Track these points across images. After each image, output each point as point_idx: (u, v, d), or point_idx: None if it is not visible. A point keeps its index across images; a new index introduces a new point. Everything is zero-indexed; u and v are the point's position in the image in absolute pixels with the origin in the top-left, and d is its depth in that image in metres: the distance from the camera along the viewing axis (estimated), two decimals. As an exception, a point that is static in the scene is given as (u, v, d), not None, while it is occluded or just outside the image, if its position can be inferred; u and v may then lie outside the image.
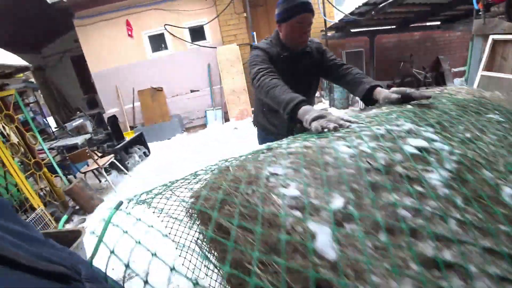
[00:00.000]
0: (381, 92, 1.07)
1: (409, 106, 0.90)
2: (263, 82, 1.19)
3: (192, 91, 5.73)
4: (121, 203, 2.53)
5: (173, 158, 4.33)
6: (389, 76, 6.72)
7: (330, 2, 5.38)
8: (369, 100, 1.16)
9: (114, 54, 5.17)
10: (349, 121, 0.80)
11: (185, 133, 5.66)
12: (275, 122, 1.55)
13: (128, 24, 5.06)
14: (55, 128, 6.58)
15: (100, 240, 1.93)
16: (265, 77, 1.20)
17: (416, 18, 5.37)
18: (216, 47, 5.46)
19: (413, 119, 0.74)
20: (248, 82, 5.58)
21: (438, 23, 5.95)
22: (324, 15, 5.42)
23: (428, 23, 5.97)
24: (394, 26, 5.78)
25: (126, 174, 3.84)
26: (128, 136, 4.76)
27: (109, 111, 5.27)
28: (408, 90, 0.96)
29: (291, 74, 1.41)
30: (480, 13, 2.77)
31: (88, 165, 3.79)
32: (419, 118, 0.76)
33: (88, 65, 5.16)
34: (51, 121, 7.20)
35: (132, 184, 3.60)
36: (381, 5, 3.95)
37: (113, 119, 4.07)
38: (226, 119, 5.74)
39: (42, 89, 7.26)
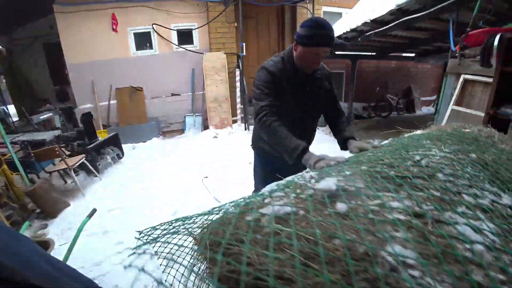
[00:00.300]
0: (350, 144, 1.34)
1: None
2: (267, 123, 1.28)
3: (173, 94, 5.58)
4: (94, 211, 2.32)
5: (148, 163, 4.14)
6: (366, 99, 7.06)
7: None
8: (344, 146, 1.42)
9: (94, 47, 4.90)
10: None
11: (161, 137, 5.46)
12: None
13: (113, 18, 4.84)
14: (16, 119, 6.04)
15: (70, 250, 1.74)
16: (268, 118, 1.29)
17: (394, 48, 5.72)
18: (203, 53, 5.39)
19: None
20: (231, 92, 5.55)
21: (413, 55, 6.38)
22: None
23: (404, 54, 6.39)
24: (375, 53, 6.11)
25: (96, 176, 3.60)
26: (101, 135, 4.50)
27: (81, 107, 4.94)
28: (366, 145, 1.20)
29: (299, 97, 1.43)
30: (457, 54, 3.01)
31: (54, 164, 3.50)
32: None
33: (63, 55, 4.83)
34: (11, 110, 6.59)
35: (102, 188, 3.37)
36: (367, 34, 4.16)
37: (88, 116, 3.82)
38: (205, 126, 5.65)
39: (6, 74, 6.66)
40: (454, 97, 3.38)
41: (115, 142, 4.12)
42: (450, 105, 3.39)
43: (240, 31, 5.10)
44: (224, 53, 5.44)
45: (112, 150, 4.03)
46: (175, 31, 5.30)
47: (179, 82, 5.56)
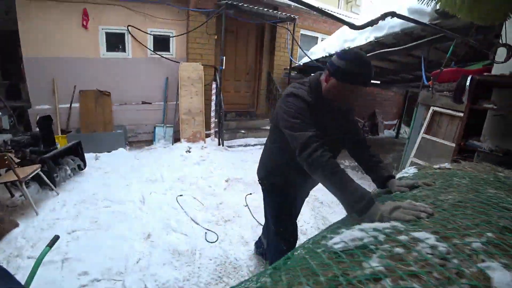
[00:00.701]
0: (393, 184, 1.19)
1: None
2: (323, 160, 1.08)
3: (143, 102, 5.24)
4: (56, 238, 1.99)
5: (114, 176, 3.76)
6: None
7: (300, 47, 5.73)
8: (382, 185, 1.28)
9: (59, 42, 4.39)
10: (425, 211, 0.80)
11: (128, 147, 5.06)
12: (298, 181, 1.41)
13: (85, 13, 4.42)
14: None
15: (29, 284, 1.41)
16: (324, 154, 1.09)
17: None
18: (179, 62, 5.18)
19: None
20: (206, 105, 5.39)
21: (378, 82, 6.86)
22: (291, 56, 5.72)
23: (372, 81, 6.82)
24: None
25: (53, 190, 3.15)
26: (60, 142, 4.02)
27: (37, 107, 4.37)
28: (413, 182, 1.10)
29: (327, 130, 1.31)
30: (430, 88, 3.26)
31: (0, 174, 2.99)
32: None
33: (20, 46, 4.26)
34: None
35: (60, 205, 2.94)
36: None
37: (47, 120, 3.38)
38: (176, 138, 5.37)
39: None
40: (424, 126, 3.64)
41: (76, 151, 3.68)
42: (421, 134, 3.64)
43: (221, 44, 5.02)
44: (202, 65, 5.30)
45: (72, 160, 3.59)
46: (152, 36, 5.03)
47: (151, 90, 5.24)
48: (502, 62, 2.27)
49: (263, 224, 2.91)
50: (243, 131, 5.94)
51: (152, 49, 5.07)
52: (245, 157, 4.90)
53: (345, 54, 1.21)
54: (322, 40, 6.46)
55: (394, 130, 8.22)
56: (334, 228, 0.86)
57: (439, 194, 0.88)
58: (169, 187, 3.60)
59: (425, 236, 0.60)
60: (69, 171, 3.48)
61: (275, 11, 5.40)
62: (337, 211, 3.28)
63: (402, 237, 0.61)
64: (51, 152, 3.26)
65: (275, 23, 5.74)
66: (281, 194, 1.57)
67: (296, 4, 4.35)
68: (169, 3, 4.96)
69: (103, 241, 2.42)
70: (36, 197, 3.03)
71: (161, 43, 5.18)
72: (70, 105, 4.58)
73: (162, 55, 5.14)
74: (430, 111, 3.62)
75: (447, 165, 1.32)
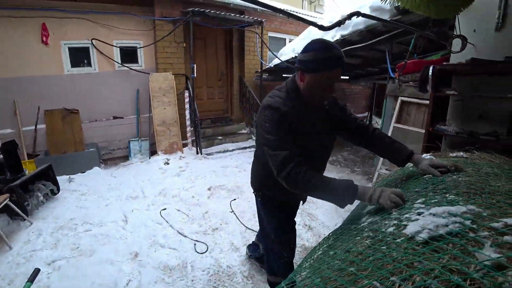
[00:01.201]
0: (420, 162, 1.18)
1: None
2: (299, 178, 1.10)
3: (115, 117, 5.05)
4: (37, 271, 1.89)
5: (91, 198, 3.59)
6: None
7: (269, 49, 5.81)
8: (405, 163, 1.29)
9: (18, 60, 4.10)
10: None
11: (103, 165, 4.85)
12: (286, 191, 1.43)
13: (44, 28, 4.18)
14: None
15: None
16: (297, 172, 1.11)
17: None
18: (149, 73, 5.06)
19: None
20: (180, 114, 5.30)
21: (347, 77, 7.12)
22: (261, 59, 5.79)
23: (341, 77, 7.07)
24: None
25: (25, 220, 2.94)
26: (27, 167, 3.77)
27: (-1, 132, 4.07)
28: (446, 163, 1.08)
29: (313, 133, 1.30)
30: (397, 80, 3.44)
31: (-37, 209, 2.75)
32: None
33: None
34: None
35: (35, 235, 2.76)
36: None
37: (12, 145, 3.16)
38: (153, 151, 5.23)
39: None
40: (394, 116, 3.82)
41: (47, 175, 3.47)
42: (392, 123, 3.82)
43: (191, 52, 4.97)
44: (173, 74, 5.21)
45: (44, 185, 3.37)
46: (118, 48, 4.87)
47: (122, 104, 5.07)
48: (458, 52, 2.45)
49: (252, 229, 2.92)
50: (220, 137, 5.90)
51: (120, 62, 4.91)
52: (225, 163, 4.88)
53: (308, 47, 1.18)
54: (290, 41, 6.60)
55: (366, 121, 8.55)
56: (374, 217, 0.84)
57: (487, 181, 0.88)
58: (151, 202, 3.50)
59: None
60: (41, 198, 3.27)
61: (241, 16, 5.45)
62: (321, 206, 3.35)
63: (495, 224, 0.57)
64: (19, 179, 3.04)
65: (243, 28, 5.79)
66: (280, 206, 1.54)
67: (262, 8, 4.41)
68: (133, 13, 4.83)
69: (88, 267, 2.30)
70: (6, 229, 2.81)
71: (129, 55, 5.03)
72: (35, 126, 4.31)
73: (131, 67, 4.99)
74: (398, 101, 3.82)
75: (463, 153, 1.37)
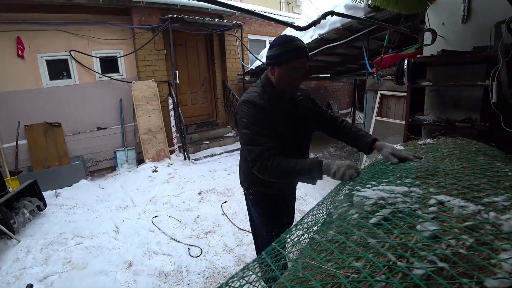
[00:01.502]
0: (382, 148, 1.26)
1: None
2: (268, 167, 1.19)
3: (99, 128, 4.97)
4: (31, 287, 1.89)
5: (80, 211, 3.53)
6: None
7: (250, 52, 5.87)
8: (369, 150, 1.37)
9: None
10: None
11: (89, 177, 4.76)
12: (274, 184, 1.46)
13: (19, 41, 4.07)
14: None
15: None
16: (266, 162, 1.19)
17: (313, 71, 6.42)
18: (131, 82, 5.01)
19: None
20: (165, 121, 5.28)
21: (328, 75, 7.28)
22: (242, 61, 5.84)
23: (321, 75, 7.23)
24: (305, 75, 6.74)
25: (11, 239, 2.86)
26: (11, 184, 3.67)
27: (-24, 152, 3.93)
28: (404, 154, 1.15)
29: (290, 124, 1.38)
30: (375, 75, 3.57)
31: None
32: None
33: None
34: None
35: (24, 253, 2.69)
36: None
37: (-8, 165, 3.07)
38: (140, 160, 5.18)
39: None
40: (375, 110, 3.95)
41: (32, 191, 3.38)
42: (374, 116, 3.95)
43: (172, 59, 4.96)
44: (155, 81, 5.19)
45: (29, 201, 3.29)
46: (97, 59, 4.81)
47: (105, 115, 5.00)
48: (430, 44, 2.58)
49: (244, 229, 2.95)
50: (207, 142, 5.90)
51: (100, 72, 4.84)
52: (213, 167, 4.89)
53: (273, 43, 1.28)
54: (270, 43, 6.68)
55: (349, 117, 8.74)
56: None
57: (438, 164, 0.96)
58: (142, 211, 3.48)
59: (447, 198, 0.63)
60: (27, 214, 3.18)
61: (220, 20, 5.49)
62: (311, 203, 3.42)
63: (432, 201, 0.64)
64: (3, 197, 2.96)
65: (223, 32, 5.83)
66: (269, 201, 1.56)
67: (239, 12, 4.48)
68: (110, 22, 4.79)
69: (82, 280, 2.27)
70: (-8, 249, 2.73)
71: (109, 64, 4.97)
72: (16, 142, 4.19)
73: (112, 77, 4.93)
74: (378, 95, 3.95)
75: (430, 140, 1.47)
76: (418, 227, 0.54)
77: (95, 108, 4.87)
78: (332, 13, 1.72)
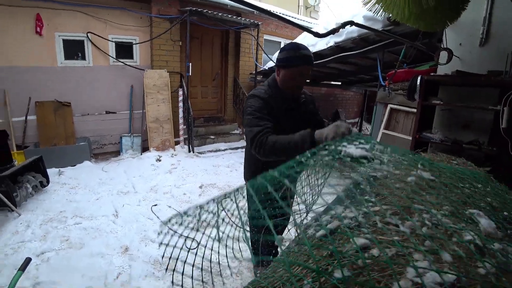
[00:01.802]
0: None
1: None
2: (263, 143, 1.28)
3: (107, 112, 5.02)
4: (28, 261, 1.94)
5: (81, 192, 3.58)
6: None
7: (264, 52, 5.89)
8: None
9: (10, 49, 4.02)
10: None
11: (93, 159, 4.81)
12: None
13: (38, 18, 4.11)
14: None
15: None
16: (262, 139, 1.29)
17: (325, 77, 6.43)
18: (144, 69, 5.06)
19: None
20: (174, 112, 5.32)
21: (340, 83, 7.27)
22: (256, 61, 5.86)
23: (333, 82, 7.23)
24: (308, 81, 6.75)
25: (13, 211, 2.91)
26: (17, 158, 3.73)
27: (-15, 122, 3.99)
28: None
29: (290, 122, 1.48)
30: (387, 88, 3.57)
31: (-51, 198, 2.71)
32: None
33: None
34: None
35: (24, 227, 2.74)
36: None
37: (2, 135, 3.12)
38: (145, 148, 5.23)
39: None
40: (383, 123, 3.95)
41: (37, 167, 3.44)
42: (381, 129, 3.95)
43: (187, 51, 5.00)
44: (167, 72, 5.22)
45: (33, 177, 3.34)
46: (113, 43, 4.86)
47: (115, 99, 5.05)
48: (445, 64, 2.58)
49: (241, 227, 2.97)
50: (212, 137, 5.94)
51: (115, 57, 4.89)
52: (216, 163, 4.92)
53: (283, 48, 1.42)
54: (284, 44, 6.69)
55: (356, 127, 8.73)
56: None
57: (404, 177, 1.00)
58: (143, 198, 3.52)
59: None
60: (30, 189, 3.23)
61: (238, 18, 5.51)
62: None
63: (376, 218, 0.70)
64: (8, 170, 3.01)
65: (239, 29, 5.86)
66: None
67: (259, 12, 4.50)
68: (130, 9, 4.83)
69: (78, 260, 2.31)
70: (-7, 220, 2.78)
71: (124, 50, 5.02)
72: (26, 117, 4.25)
73: (126, 63, 4.98)
74: (388, 108, 3.95)
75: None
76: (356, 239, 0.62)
77: (106, 91, 4.92)
78: (351, 23, 1.73)
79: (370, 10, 1.76)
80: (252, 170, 1.65)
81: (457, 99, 2.62)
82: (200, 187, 3.94)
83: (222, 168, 4.70)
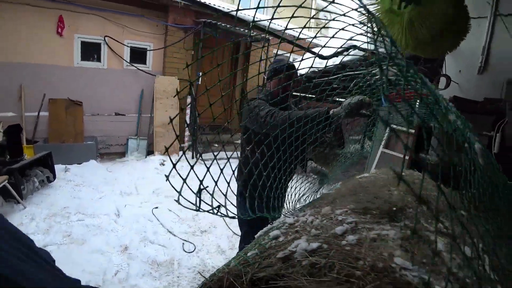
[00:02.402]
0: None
1: None
2: (277, 114, 1.44)
3: (117, 114, 5.17)
4: None
5: (86, 190, 3.68)
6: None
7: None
8: None
9: (30, 47, 4.23)
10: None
11: (99, 159, 4.93)
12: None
13: (60, 20, 4.33)
14: None
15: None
16: (276, 112, 1.45)
17: (331, 94, 6.55)
18: (155, 75, 5.23)
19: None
20: (181, 118, 5.46)
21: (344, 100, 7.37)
22: (264, 74, 6.01)
23: (337, 99, 7.33)
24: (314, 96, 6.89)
25: (19, 203, 3.02)
26: (27, 152, 3.85)
27: (1, 114, 4.14)
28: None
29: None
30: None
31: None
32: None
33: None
34: None
35: (28, 219, 2.83)
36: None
37: (16, 128, 3.26)
38: (149, 151, 5.34)
39: None
40: (383, 142, 4.04)
41: (45, 162, 3.56)
42: (380, 148, 4.04)
43: (199, 61, 5.18)
44: (178, 79, 5.40)
45: (41, 171, 3.46)
46: (128, 48, 5.05)
47: (125, 102, 5.21)
48: (443, 89, 2.69)
49: (238, 234, 3.03)
50: (216, 145, 6.05)
51: (129, 61, 5.08)
52: (219, 171, 4.99)
53: (272, 64, 1.72)
54: (293, 60, 6.87)
55: (359, 144, 8.79)
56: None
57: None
58: (144, 200, 3.60)
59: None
60: (37, 183, 3.35)
61: (250, 31, 5.70)
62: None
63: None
64: (18, 163, 3.13)
65: (250, 42, 6.05)
66: (259, 197, 1.69)
67: (271, 25, 4.64)
68: (147, 16, 5.05)
69: (78, 255, 2.39)
70: (0, 210, 2.88)
71: (138, 55, 5.20)
72: (38, 113, 4.40)
73: (139, 67, 5.16)
74: (387, 128, 4.05)
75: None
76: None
77: (117, 94, 5.09)
78: (354, 47, 1.84)
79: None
80: (244, 179, 1.71)
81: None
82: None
83: (225, 175, 4.78)
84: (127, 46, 5.02)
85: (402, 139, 0.51)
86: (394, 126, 4.01)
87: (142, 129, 5.42)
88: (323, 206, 1.00)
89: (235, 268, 0.71)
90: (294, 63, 1.74)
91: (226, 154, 0.90)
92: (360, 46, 1.96)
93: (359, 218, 0.84)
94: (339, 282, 0.56)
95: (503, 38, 2.48)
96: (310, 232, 0.79)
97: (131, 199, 3.58)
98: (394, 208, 0.89)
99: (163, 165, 4.86)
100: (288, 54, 7.14)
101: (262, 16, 6.66)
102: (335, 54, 1.86)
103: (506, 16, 2.50)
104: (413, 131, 3.33)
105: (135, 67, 5.12)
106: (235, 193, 1.80)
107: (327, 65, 4.40)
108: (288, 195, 1.41)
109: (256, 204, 1.66)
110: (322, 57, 1.89)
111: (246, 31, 5.60)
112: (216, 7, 5.29)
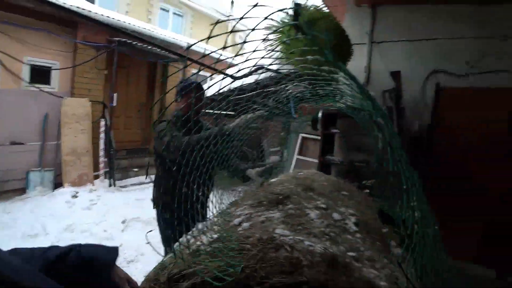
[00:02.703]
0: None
1: None
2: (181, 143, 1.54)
3: (13, 143, 4.43)
4: None
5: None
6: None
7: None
8: None
9: None
10: None
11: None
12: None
13: None
14: None
15: None
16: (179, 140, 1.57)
17: (248, 110, 7.03)
18: (62, 97, 4.74)
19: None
20: (94, 144, 5.05)
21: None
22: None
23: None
24: (234, 113, 7.26)
25: None
26: None
27: None
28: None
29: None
30: (297, 120, 4.21)
31: None
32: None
33: None
34: None
35: None
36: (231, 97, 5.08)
37: None
38: (58, 183, 4.72)
39: None
40: (297, 149, 4.59)
41: None
42: (295, 155, 4.57)
43: (112, 81, 4.94)
44: (90, 100, 5.01)
45: None
46: (28, 66, 4.45)
47: (24, 128, 4.50)
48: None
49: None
50: (135, 169, 5.74)
51: (28, 81, 4.46)
52: (140, 196, 4.75)
53: (179, 84, 1.89)
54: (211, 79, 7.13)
55: (279, 155, 9.53)
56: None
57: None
58: (56, 240, 3.19)
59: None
60: None
61: (167, 52, 5.73)
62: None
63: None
64: None
65: (167, 63, 6.07)
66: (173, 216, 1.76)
67: (188, 45, 4.80)
68: (52, 31, 4.57)
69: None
70: None
71: (41, 74, 4.61)
72: None
73: (41, 88, 4.56)
74: (300, 137, 4.63)
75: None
76: None
77: (13, 119, 4.36)
78: (262, 67, 2.16)
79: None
80: (157, 191, 1.86)
81: (351, 127, 3.33)
82: (123, 222, 3.77)
83: (146, 201, 4.52)
84: (27, 64, 4.43)
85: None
86: (305, 135, 4.61)
87: (47, 159, 4.76)
88: (229, 208, 1.21)
89: (153, 273, 0.82)
90: (201, 83, 1.88)
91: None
92: (267, 67, 2.30)
93: (254, 210, 1.06)
94: (233, 256, 0.74)
95: (378, 60, 3.27)
96: (214, 229, 1.00)
97: (38, 241, 3.12)
98: (280, 197, 1.14)
99: (76, 197, 4.36)
100: (207, 74, 7.40)
101: (178, 37, 6.79)
102: (246, 75, 2.14)
103: (379, 43, 3.30)
104: (319, 137, 3.92)
105: (37, 88, 4.53)
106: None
107: (243, 83, 4.79)
108: (209, 207, 1.49)
109: (171, 219, 1.77)
110: (233, 77, 2.14)
111: (163, 51, 5.63)
112: (132, 26, 5.20)
